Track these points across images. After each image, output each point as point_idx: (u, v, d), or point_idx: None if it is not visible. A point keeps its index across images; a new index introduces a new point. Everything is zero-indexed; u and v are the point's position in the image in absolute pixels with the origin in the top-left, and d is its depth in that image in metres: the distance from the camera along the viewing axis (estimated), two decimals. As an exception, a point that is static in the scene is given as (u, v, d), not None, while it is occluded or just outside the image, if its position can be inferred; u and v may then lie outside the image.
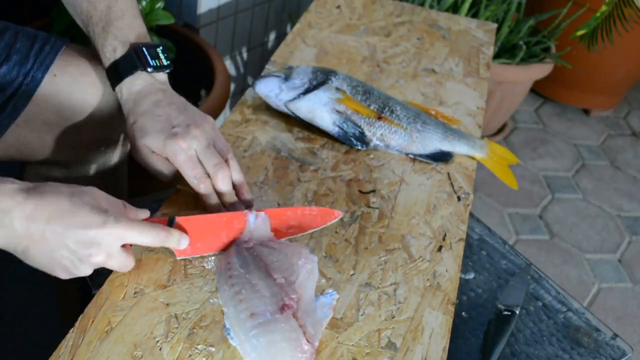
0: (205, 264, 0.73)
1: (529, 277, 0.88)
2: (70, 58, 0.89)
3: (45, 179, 0.99)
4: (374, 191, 0.88)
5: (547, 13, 2.02)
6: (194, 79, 1.50)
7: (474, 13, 1.92)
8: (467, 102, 1.10)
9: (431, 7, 1.80)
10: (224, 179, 0.76)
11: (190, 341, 0.65)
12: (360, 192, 0.88)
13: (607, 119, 2.49)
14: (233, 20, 1.72)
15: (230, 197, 0.77)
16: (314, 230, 0.79)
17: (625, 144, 2.38)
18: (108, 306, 0.67)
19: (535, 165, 2.17)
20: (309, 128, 0.96)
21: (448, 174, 0.94)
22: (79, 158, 0.97)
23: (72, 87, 0.88)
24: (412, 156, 0.95)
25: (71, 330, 0.64)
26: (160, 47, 0.83)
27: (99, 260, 0.65)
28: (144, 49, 0.81)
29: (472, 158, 0.98)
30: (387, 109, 0.96)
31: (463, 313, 0.82)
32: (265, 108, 0.99)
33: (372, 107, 0.95)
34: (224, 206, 0.78)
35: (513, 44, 2.00)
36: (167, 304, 0.68)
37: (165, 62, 0.83)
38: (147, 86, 0.80)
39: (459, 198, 0.90)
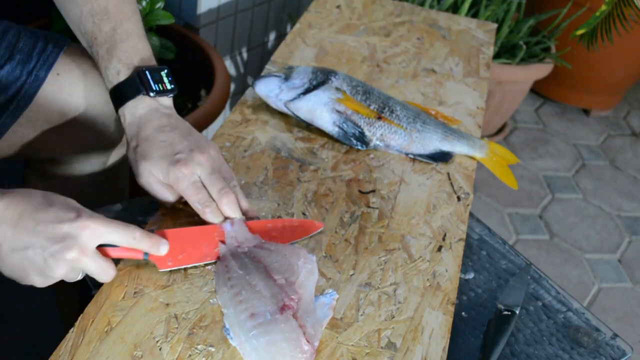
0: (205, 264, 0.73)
1: (529, 277, 0.88)
2: (74, 57, 0.89)
3: (47, 177, 1.00)
4: (374, 191, 0.88)
5: (547, 13, 2.02)
6: (194, 79, 1.50)
7: (474, 13, 1.92)
8: (467, 102, 1.10)
9: (431, 7, 1.80)
10: (229, 204, 0.74)
11: (190, 341, 0.65)
12: (360, 192, 0.88)
13: (607, 119, 2.49)
14: (233, 20, 1.72)
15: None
16: (296, 241, 0.78)
17: (625, 144, 2.38)
18: (108, 306, 0.67)
19: (535, 165, 2.17)
20: (309, 128, 0.96)
21: (448, 174, 0.94)
22: (81, 157, 0.97)
23: (75, 86, 0.88)
24: (412, 156, 0.95)
25: (71, 330, 0.64)
26: (165, 71, 0.81)
27: (72, 255, 0.62)
28: (147, 72, 0.79)
29: (472, 158, 0.98)
30: (387, 109, 0.96)
31: (463, 313, 0.82)
32: (265, 108, 0.99)
33: (372, 107, 0.95)
34: None
35: (513, 44, 2.00)
36: (167, 304, 0.68)
37: (169, 87, 0.80)
38: (150, 111, 0.78)
39: (459, 198, 0.90)
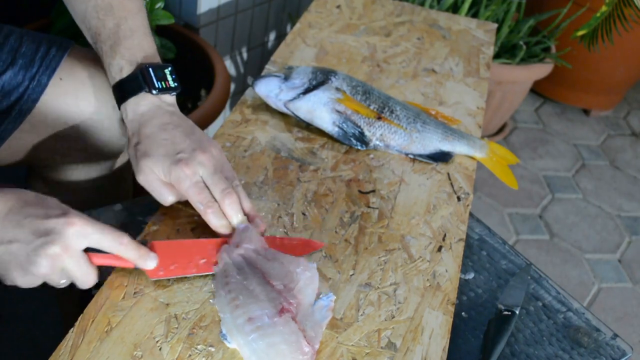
0: (205, 264, 0.73)
1: (529, 277, 0.88)
2: (77, 61, 0.88)
3: (50, 183, 0.99)
4: (373, 191, 0.88)
5: (547, 13, 2.02)
6: (194, 79, 1.50)
7: (474, 13, 1.92)
8: (467, 102, 1.10)
9: (431, 7, 1.80)
10: (231, 205, 0.73)
11: (190, 341, 0.65)
12: (360, 192, 0.88)
13: (607, 119, 2.49)
14: (233, 20, 1.72)
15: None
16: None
17: (625, 144, 2.38)
18: (108, 306, 0.67)
19: (535, 165, 2.17)
20: (309, 128, 0.96)
21: (448, 174, 0.94)
22: (85, 162, 0.96)
23: (79, 91, 0.87)
24: (412, 156, 0.95)
25: (71, 330, 0.64)
26: (169, 68, 0.80)
27: (55, 251, 0.60)
28: (150, 69, 0.78)
29: (472, 158, 0.98)
30: (387, 109, 0.96)
31: (463, 313, 0.82)
32: (265, 108, 0.99)
33: (372, 107, 0.95)
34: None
35: (513, 44, 2.00)
36: (167, 304, 0.68)
37: (172, 84, 0.79)
38: (152, 108, 0.77)
39: (459, 198, 0.90)
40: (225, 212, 0.73)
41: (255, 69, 1.92)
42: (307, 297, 0.69)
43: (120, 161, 1.00)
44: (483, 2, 1.88)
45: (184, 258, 0.71)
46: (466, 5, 1.83)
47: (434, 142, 0.96)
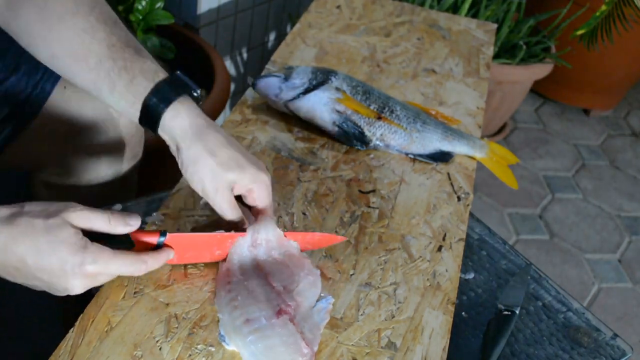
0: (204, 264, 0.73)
1: (529, 277, 0.88)
2: None
3: (52, 187, 0.98)
4: (374, 191, 0.88)
5: (547, 13, 2.02)
6: (194, 79, 1.50)
7: (474, 13, 1.92)
8: (467, 102, 1.10)
9: (431, 7, 1.80)
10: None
11: (190, 341, 0.65)
12: (360, 192, 0.88)
13: (607, 119, 2.49)
14: (233, 20, 1.72)
15: None
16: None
17: (625, 144, 2.38)
18: (108, 306, 0.67)
19: (535, 165, 2.18)
20: (309, 128, 0.96)
21: (448, 174, 0.94)
22: (88, 168, 0.96)
23: (83, 99, 0.86)
24: (412, 156, 0.95)
25: (71, 330, 0.64)
26: (182, 76, 0.73)
27: (77, 292, 0.61)
28: (178, 75, 0.71)
29: (472, 158, 0.98)
30: (387, 109, 0.96)
31: (463, 313, 0.82)
32: (265, 108, 0.99)
33: (372, 107, 0.95)
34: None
35: (513, 44, 2.00)
36: (167, 304, 0.68)
37: (192, 85, 0.73)
38: (199, 114, 0.70)
39: (459, 198, 0.90)
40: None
41: (255, 69, 1.92)
42: (307, 299, 0.68)
43: (124, 169, 0.99)
44: (483, 2, 1.88)
45: (200, 248, 0.70)
46: (466, 5, 1.83)
47: (434, 142, 0.96)
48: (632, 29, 1.56)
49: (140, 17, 1.37)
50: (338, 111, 0.94)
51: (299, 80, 0.95)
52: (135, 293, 0.68)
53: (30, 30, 0.70)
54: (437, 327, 0.71)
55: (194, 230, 0.76)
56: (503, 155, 1.00)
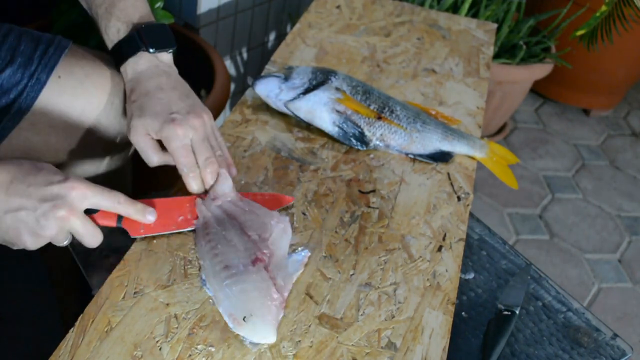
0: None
1: (529, 277, 0.88)
2: (75, 59, 0.89)
3: None
4: (374, 191, 0.88)
5: (547, 13, 2.02)
6: (194, 79, 1.50)
7: (474, 13, 1.92)
8: (467, 102, 1.10)
9: (431, 7, 1.80)
10: (212, 174, 0.77)
11: (190, 341, 0.65)
12: (360, 192, 0.88)
13: (607, 119, 2.49)
14: (233, 20, 1.72)
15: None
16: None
17: (625, 144, 2.38)
18: (108, 306, 0.67)
19: (535, 165, 2.17)
20: (309, 128, 0.96)
21: (448, 174, 0.94)
22: (83, 159, 0.96)
23: (77, 89, 0.88)
24: (412, 156, 0.95)
25: (71, 330, 0.64)
26: (164, 27, 0.84)
27: (62, 214, 0.64)
28: (146, 29, 0.82)
29: (472, 158, 0.98)
30: (387, 109, 0.96)
31: (463, 313, 0.82)
32: (265, 108, 0.99)
33: (372, 107, 0.95)
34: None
35: (513, 44, 2.00)
36: (167, 304, 0.68)
37: (168, 43, 0.84)
38: (151, 67, 0.82)
39: (459, 198, 0.90)
40: (204, 179, 0.77)
41: (255, 69, 1.92)
42: (281, 249, 0.74)
43: (119, 160, 1.00)
44: (483, 2, 1.88)
45: (163, 216, 0.74)
46: (466, 5, 1.83)
47: (434, 142, 0.96)
48: (632, 30, 1.56)
49: (140, 17, 1.37)
50: (338, 111, 0.94)
51: (299, 81, 0.95)
52: (135, 293, 0.68)
53: None
54: (437, 327, 0.71)
55: None
56: (503, 155, 1.00)
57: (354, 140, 0.93)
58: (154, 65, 0.82)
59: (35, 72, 0.85)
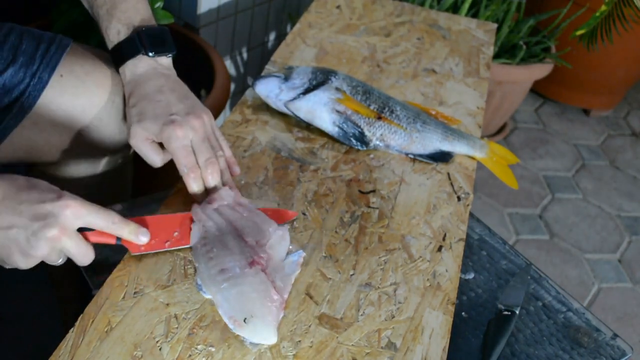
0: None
1: (529, 277, 0.88)
2: (76, 58, 0.89)
3: (51, 179, 0.99)
4: (374, 191, 0.88)
5: (547, 13, 2.02)
6: (194, 79, 1.50)
7: (474, 13, 1.92)
8: (467, 102, 1.10)
9: (431, 7, 1.80)
10: (213, 174, 0.77)
11: (190, 341, 0.65)
12: (360, 192, 0.88)
13: (607, 119, 2.49)
14: (233, 20, 1.72)
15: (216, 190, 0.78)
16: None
17: (625, 144, 2.38)
18: (108, 306, 0.67)
19: (535, 165, 2.17)
20: (309, 128, 0.96)
21: (448, 174, 0.94)
22: (85, 158, 0.96)
23: (78, 87, 0.88)
24: (412, 156, 0.95)
25: (71, 330, 0.64)
26: (164, 31, 0.84)
27: (53, 233, 0.63)
28: (146, 32, 0.82)
29: (472, 158, 0.98)
30: (387, 109, 0.96)
31: (463, 313, 0.82)
32: (265, 108, 0.99)
33: (372, 107, 0.95)
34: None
35: (513, 44, 2.00)
36: (167, 304, 0.68)
37: (168, 47, 0.83)
38: (149, 70, 0.82)
39: (459, 198, 0.90)
40: (205, 180, 0.77)
41: (255, 69, 1.92)
42: (278, 253, 0.73)
43: (120, 158, 1.00)
44: (483, 2, 1.88)
45: (161, 232, 0.74)
46: (466, 5, 1.83)
47: (434, 142, 0.96)
48: (632, 30, 1.55)
49: (140, 17, 1.37)
50: (338, 111, 0.94)
51: (299, 81, 0.95)
52: (135, 293, 0.68)
53: None
54: (437, 327, 0.71)
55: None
56: (503, 155, 1.00)
57: (354, 140, 0.93)
58: (153, 68, 0.82)
59: (38, 71, 0.85)
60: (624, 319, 1.71)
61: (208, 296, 0.69)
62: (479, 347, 0.78)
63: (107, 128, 0.91)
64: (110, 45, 0.84)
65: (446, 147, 0.96)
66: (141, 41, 0.81)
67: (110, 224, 0.67)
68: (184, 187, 0.80)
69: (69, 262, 0.67)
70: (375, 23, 1.27)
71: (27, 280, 1.30)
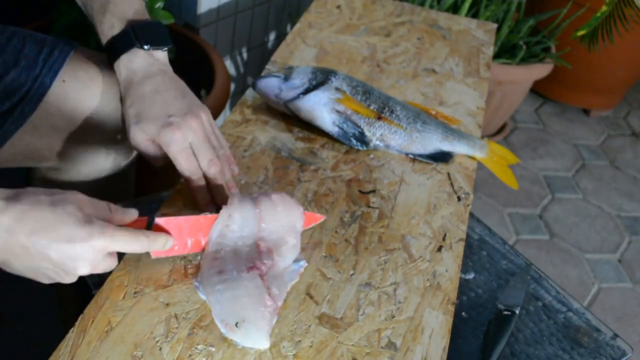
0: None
1: (529, 277, 0.88)
2: (79, 63, 0.88)
3: (51, 183, 0.99)
4: (374, 191, 0.88)
5: (547, 13, 2.02)
6: (194, 79, 1.50)
7: (474, 13, 1.92)
8: (467, 102, 1.10)
9: (431, 7, 1.80)
10: (216, 175, 0.76)
11: (190, 341, 0.65)
12: (360, 192, 0.88)
13: (607, 119, 2.49)
14: (233, 20, 1.72)
15: (221, 191, 0.78)
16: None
17: (625, 144, 2.38)
18: (108, 306, 0.67)
19: (535, 165, 2.18)
20: (309, 128, 0.96)
21: (448, 174, 0.94)
22: (87, 163, 0.96)
23: (81, 92, 0.87)
24: (412, 156, 0.95)
25: (71, 330, 0.64)
26: (159, 25, 0.82)
27: (85, 271, 0.62)
28: (141, 25, 0.80)
29: (472, 158, 0.98)
30: (387, 109, 0.96)
31: (463, 313, 0.82)
32: (265, 108, 0.99)
33: (372, 107, 0.95)
34: (212, 199, 0.78)
35: (513, 44, 2.00)
36: (167, 304, 0.68)
37: (163, 40, 0.81)
38: (145, 65, 0.79)
39: (459, 198, 0.90)
40: (208, 180, 0.77)
41: (255, 69, 1.92)
42: (284, 261, 0.73)
43: (123, 163, 1.00)
44: (483, 2, 1.88)
45: (187, 235, 0.72)
46: (466, 5, 1.83)
47: (434, 142, 0.96)
48: (632, 30, 1.56)
49: (140, 17, 1.37)
50: (338, 111, 0.94)
51: (299, 81, 0.95)
52: (135, 293, 0.68)
53: None
54: (437, 327, 0.71)
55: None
56: (503, 155, 1.00)
57: (354, 140, 0.93)
58: (149, 63, 0.80)
59: (39, 75, 0.84)
60: (624, 319, 1.71)
61: (204, 297, 0.68)
62: (479, 347, 0.78)
63: (111, 133, 0.90)
64: (104, 40, 0.82)
65: (446, 147, 0.96)
66: (135, 34, 0.79)
67: (141, 247, 0.66)
68: (183, 188, 0.80)
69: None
70: (375, 23, 1.27)
71: (27, 280, 1.30)
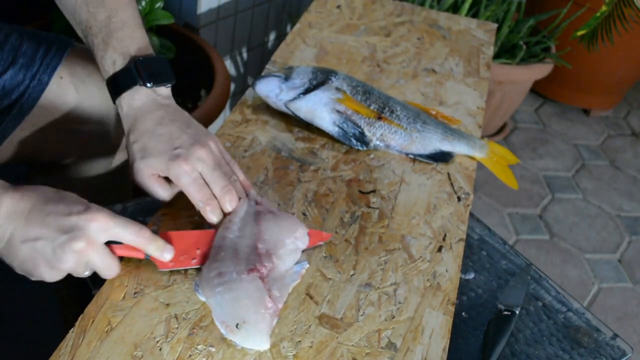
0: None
1: (529, 277, 0.88)
2: (76, 60, 0.88)
3: (50, 181, 0.99)
4: (374, 191, 0.88)
5: (547, 13, 2.02)
6: (194, 79, 1.50)
7: (474, 13, 1.92)
8: (467, 102, 1.10)
9: (431, 7, 1.80)
10: (230, 202, 0.74)
11: (190, 341, 0.65)
12: (360, 192, 0.88)
13: (607, 119, 2.49)
14: (233, 20, 1.72)
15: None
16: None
17: (625, 144, 2.38)
18: (108, 306, 0.67)
19: (535, 165, 2.18)
20: (309, 128, 0.96)
21: (448, 174, 0.94)
22: (85, 159, 0.96)
23: (79, 89, 0.87)
24: (412, 156, 0.95)
25: (71, 330, 0.64)
26: (162, 60, 0.80)
27: (80, 246, 0.62)
28: (143, 62, 0.78)
29: (472, 158, 0.98)
30: (387, 109, 0.96)
31: (463, 313, 0.82)
32: (265, 108, 0.99)
33: (372, 107, 0.95)
34: None
35: (513, 44, 2.00)
36: (167, 304, 0.68)
37: (166, 76, 0.79)
38: (148, 102, 0.77)
39: (459, 198, 0.90)
40: (224, 208, 0.74)
41: (255, 69, 1.92)
42: (285, 263, 0.73)
43: (120, 159, 1.00)
44: (483, 2, 1.88)
45: (194, 248, 0.72)
46: (466, 5, 1.83)
47: (434, 142, 0.96)
48: (632, 30, 1.56)
49: (140, 17, 1.37)
50: (338, 111, 0.94)
51: (299, 80, 0.95)
52: (135, 293, 0.68)
53: None
54: (437, 327, 0.71)
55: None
56: (503, 155, 1.00)
57: (354, 140, 0.93)
58: (151, 99, 0.77)
59: (37, 72, 0.85)
60: (624, 319, 1.71)
61: (203, 298, 0.68)
62: (479, 347, 0.78)
63: (108, 129, 0.91)
64: (105, 76, 0.79)
65: (446, 147, 0.96)
66: (138, 71, 0.77)
67: (136, 239, 0.66)
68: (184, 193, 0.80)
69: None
70: (375, 23, 1.27)
71: (27, 280, 1.30)
